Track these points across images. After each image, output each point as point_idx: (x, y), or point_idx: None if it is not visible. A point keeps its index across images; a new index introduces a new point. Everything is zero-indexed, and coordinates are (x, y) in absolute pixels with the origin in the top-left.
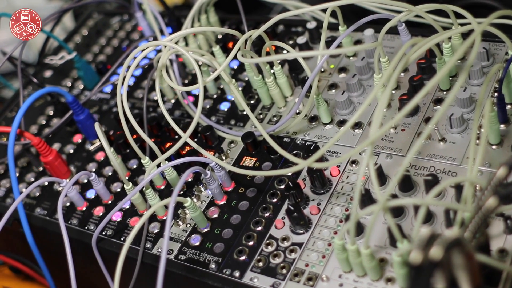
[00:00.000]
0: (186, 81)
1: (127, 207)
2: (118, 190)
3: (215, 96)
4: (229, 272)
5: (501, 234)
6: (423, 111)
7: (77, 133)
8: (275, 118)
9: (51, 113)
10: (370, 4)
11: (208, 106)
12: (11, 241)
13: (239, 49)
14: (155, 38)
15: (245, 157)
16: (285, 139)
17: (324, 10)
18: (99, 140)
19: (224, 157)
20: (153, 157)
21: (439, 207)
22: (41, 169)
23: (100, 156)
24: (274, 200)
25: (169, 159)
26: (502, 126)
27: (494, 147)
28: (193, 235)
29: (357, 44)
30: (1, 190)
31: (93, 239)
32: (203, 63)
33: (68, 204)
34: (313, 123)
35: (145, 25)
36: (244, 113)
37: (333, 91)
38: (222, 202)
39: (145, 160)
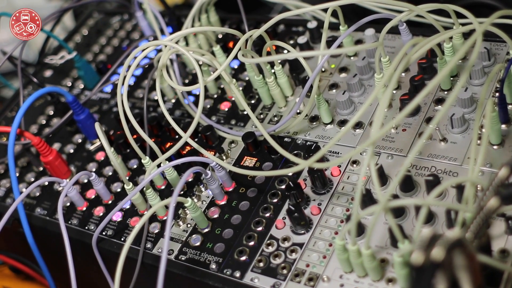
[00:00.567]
0: (187, 81)
1: (128, 207)
2: (119, 190)
3: (215, 96)
4: (229, 272)
5: (503, 235)
6: (424, 111)
7: (77, 133)
8: (275, 118)
9: (51, 113)
10: (371, 3)
11: (208, 106)
12: (11, 241)
13: (239, 49)
14: (156, 38)
15: (245, 157)
16: (286, 139)
17: (325, 10)
18: (99, 140)
19: (224, 157)
20: (153, 157)
21: (440, 207)
22: (41, 169)
23: (100, 156)
24: (275, 200)
25: (169, 159)
26: (503, 126)
27: (495, 147)
28: (193, 235)
29: (358, 44)
30: (1, 190)
31: (93, 239)
32: (203, 62)
33: (68, 204)
34: (314, 123)
35: (145, 25)
36: (245, 113)
37: (334, 91)
38: (223, 202)
39: (146, 160)
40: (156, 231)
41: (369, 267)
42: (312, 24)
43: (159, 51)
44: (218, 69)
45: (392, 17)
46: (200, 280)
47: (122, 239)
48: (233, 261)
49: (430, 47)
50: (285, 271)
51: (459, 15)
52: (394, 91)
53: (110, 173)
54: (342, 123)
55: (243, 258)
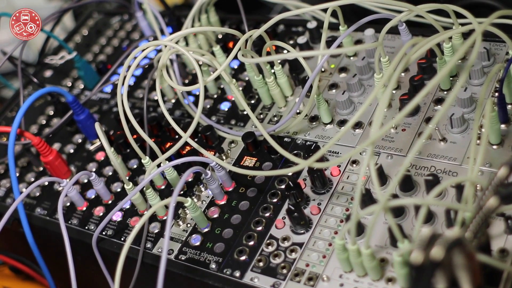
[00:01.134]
0: (187, 81)
1: (128, 207)
2: (119, 190)
3: (215, 96)
4: (229, 272)
5: (502, 234)
6: (424, 111)
7: (77, 133)
8: (275, 118)
9: (51, 113)
10: (371, 4)
11: (208, 106)
12: (11, 241)
13: (239, 49)
14: (156, 38)
15: (245, 157)
16: (286, 139)
17: (325, 10)
18: (100, 140)
19: (224, 157)
20: (153, 157)
21: (439, 207)
22: (41, 169)
23: (100, 156)
24: (275, 200)
25: (169, 159)
26: (502, 126)
27: (494, 147)
28: (193, 235)
29: (357, 44)
30: (1, 190)
31: (93, 239)
32: (203, 63)
33: (68, 204)
34: (314, 123)
35: (145, 25)
36: (245, 113)
37: (334, 91)
38: (223, 202)
39: (146, 160)
40: (156, 231)
41: (368, 266)
42: (311, 24)
43: (159, 51)
44: (218, 69)
45: (392, 17)
46: (200, 280)
47: (122, 239)
48: (233, 261)
49: (429, 47)
50: (285, 271)
51: (459, 15)
52: (394, 91)
53: (110, 173)
54: (342, 123)
55: (243, 257)
